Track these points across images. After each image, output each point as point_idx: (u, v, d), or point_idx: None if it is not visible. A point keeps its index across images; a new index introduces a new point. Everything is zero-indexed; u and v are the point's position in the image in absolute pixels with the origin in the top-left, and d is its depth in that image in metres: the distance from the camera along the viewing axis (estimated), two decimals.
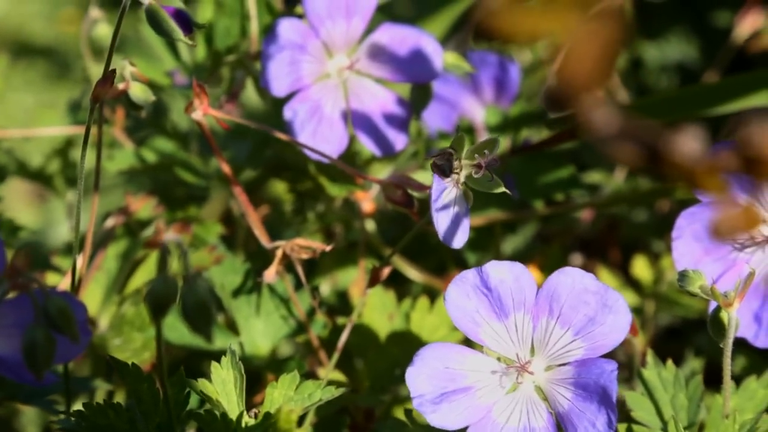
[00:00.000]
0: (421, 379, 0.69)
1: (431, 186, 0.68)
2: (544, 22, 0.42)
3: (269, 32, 0.80)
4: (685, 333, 1.08)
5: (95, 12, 0.93)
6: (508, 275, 0.69)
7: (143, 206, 0.91)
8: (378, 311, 0.86)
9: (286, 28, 0.80)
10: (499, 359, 0.71)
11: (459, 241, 0.70)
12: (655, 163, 0.41)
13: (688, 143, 0.41)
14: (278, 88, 0.80)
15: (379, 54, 0.84)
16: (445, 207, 0.68)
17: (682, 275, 0.71)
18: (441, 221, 0.68)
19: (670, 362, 0.75)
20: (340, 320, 0.85)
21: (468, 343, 0.73)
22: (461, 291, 0.70)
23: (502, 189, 0.69)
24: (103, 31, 0.93)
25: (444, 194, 0.68)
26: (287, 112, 0.81)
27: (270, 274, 0.79)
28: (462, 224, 0.70)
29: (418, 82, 0.85)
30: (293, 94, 0.82)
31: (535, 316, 0.70)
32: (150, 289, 0.58)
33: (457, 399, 0.69)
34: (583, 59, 0.41)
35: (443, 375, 0.70)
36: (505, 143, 0.95)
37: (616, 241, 1.08)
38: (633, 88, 1.23)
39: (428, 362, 0.70)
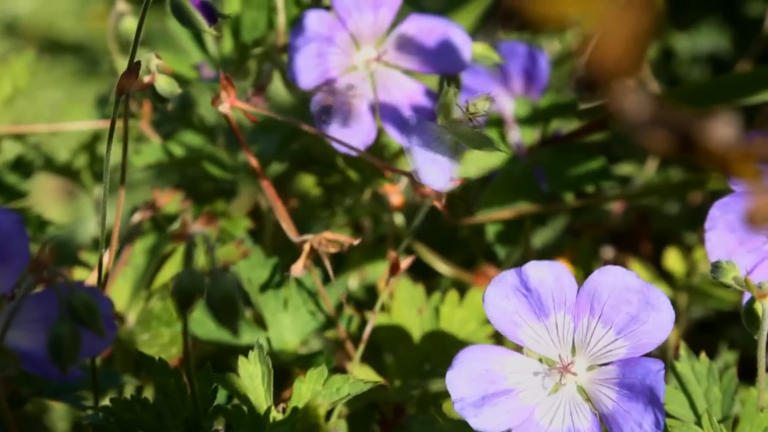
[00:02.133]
0: (461, 382, 0.68)
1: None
2: (574, 8, 0.41)
3: (296, 24, 0.79)
4: (718, 325, 1.07)
5: (122, 6, 0.93)
6: (548, 275, 0.69)
7: (170, 201, 0.90)
8: (407, 305, 0.85)
9: (314, 20, 0.79)
10: (540, 360, 0.70)
11: (437, 180, 0.69)
12: (689, 150, 0.41)
13: (722, 129, 0.40)
14: (306, 81, 0.80)
15: (406, 45, 0.83)
16: (431, 154, 0.68)
17: (716, 266, 0.70)
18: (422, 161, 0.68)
19: (703, 355, 0.74)
20: (369, 315, 0.84)
21: (499, 337, 0.72)
22: (500, 292, 0.69)
23: (490, 145, 0.69)
24: (130, 24, 0.93)
25: (431, 142, 0.68)
26: (314, 105, 0.81)
27: (297, 268, 0.78)
28: (442, 167, 0.69)
29: (446, 74, 0.84)
30: (321, 86, 0.81)
31: (576, 315, 0.69)
32: (176, 282, 0.57)
33: (498, 402, 0.68)
34: (614, 46, 0.40)
35: (484, 377, 0.69)
36: (534, 135, 0.94)
37: (648, 233, 1.07)
38: (664, 79, 1.21)
39: (468, 365, 0.69)
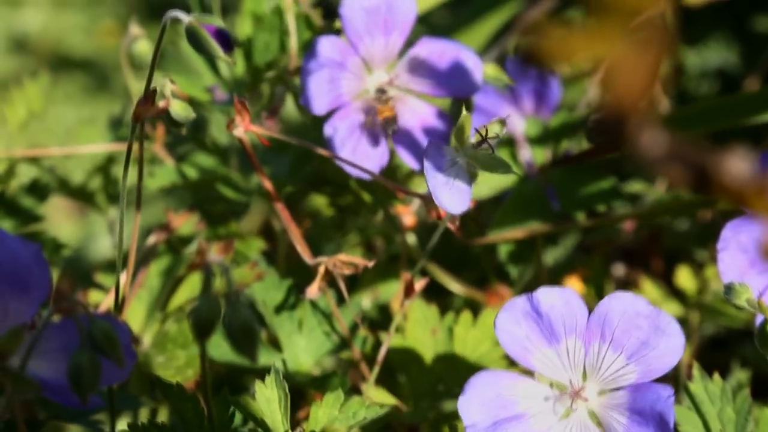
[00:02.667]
0: (473, 407, 0.69)
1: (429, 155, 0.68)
2: (586, 41, 0.42)
3: (308, 50, 0.80)
4: (730, 342, 1.07)
5: (135, 29, 0.93)
6: (559, 300, 0.69)
7: (185, 223, 0.91)
8: (421, 326, 0.86)
9: (325, 45, 0.80)
10: (551, 385, 0.70)
11: (456, 206, 0.69)
12: (705, 185, 0.41)
13: (737, 165, 0.40)
14: (318, 107, 0.80)
15: (418, 69, 0.84)
16: (446, 178, 0.68)
17: (728, 288, 0.70)
18: (437, 186, 0.68)
19: (716, 375, 0.74)
20: (383, 335, 0.85)
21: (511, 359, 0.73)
22: (511, 317, 0.69)
23: (504, 168, 0.69)
24: (143, 47, 0.93)
25: (446, 166, 0.68)
26: (327, 130, 0.81)
27: (313, 291, 0.78)
28: (458, 191, 0.69)
29: (458, 97, 0.84)
30: (333, 111, 0.82)
31: (587, 340, 0.69)
32: (194, 312, 0.58)
33: (510, 427, 0.69)
34: (627, 81, 0.40)
35: (495, 403, 0.69)
36: (545, 154, 0.95)
37: (659, 250, 1.08)
38: (674, 95, 1.22)
39: (479, 390, 0.69)
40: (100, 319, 0.60)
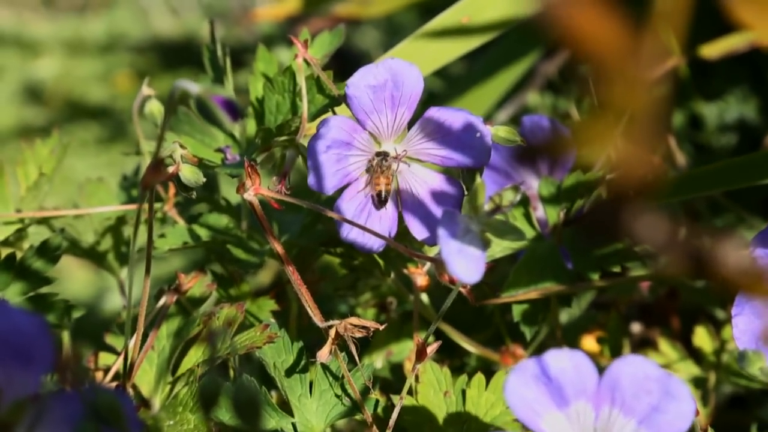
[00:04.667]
0: None
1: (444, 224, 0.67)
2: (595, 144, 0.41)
3: (317, 131, 0.79)
4: (748, 402, 1.06)
5: (146, 89, 0.93)
6: (569, 364, 0.68)
7: (196, 284, 0.91)
8: (433, 388, 0.85)
9: (333, 127, 0.79)
10: None
11: (470, 275, 0.69)
12: (705, 273, 0.41)
13: (736, 256, 0.40)
14: (327, 187, 0.80)
15: (427, 140, 0.83)
16: (460, 245, 0.68)
17: (742, 356, 0.70)
18: (451, 254, 0.68)
19: None
20: (395, 397, 0.84)
21: None
22: (521, 380, 0.69)
23: (515, 236, 0.68)
24: (154, 107, 0.94)
25: (460, 233, 0.68)
26: (337, 208, 0.81)
27: (324, 354, 0.78)
28: (472, 259, 0.69)
29: (469, 167, 0.84)
30: (343, 187, 0.82)
31: (597, 405, 0.68)
32: (200, 387, 0.57)
33: None
34: (627, 170, 0.40)
35: None
36: (559, 214, 0.94)
37: (676, 307, 1.07)
38: (691, 146, 1.21)
39: None
40: (104, 391, 0.60)
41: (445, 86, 1.52)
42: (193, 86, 0.65)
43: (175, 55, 2.72)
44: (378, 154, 0.83)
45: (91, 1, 3.85)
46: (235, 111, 0.66)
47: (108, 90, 2.30)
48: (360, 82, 0.80)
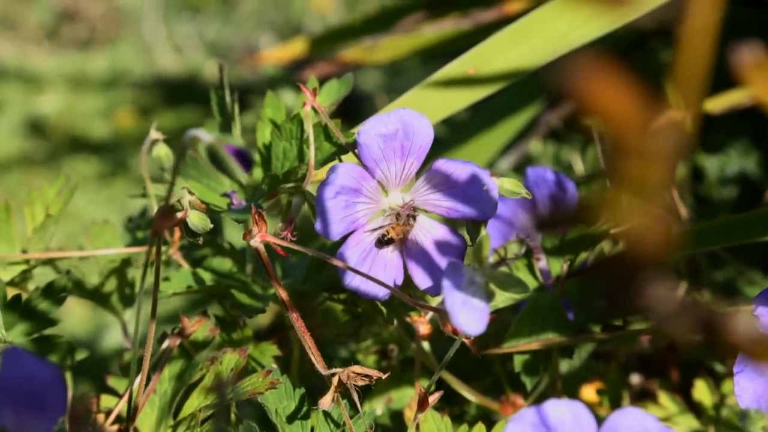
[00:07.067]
0: None
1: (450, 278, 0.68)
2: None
3: (326, 177, 0.80)
4: None
5: (155, 133, 0.94)
6: (568, 414, 0.69)
7: (199, 327, 0.91)
8: None
9: (341, 175, 0.80)
10: None
11: (473, 327, 0.69)
12: (713, 341, 0.41)
13: (743, 326, 0.41)
14: (333, 233, 0.80)
15: (434, 191, 0.84)
16: (464, 296, 0.68)
17: (744, 415, 0.70)
18: (457, 309, 0.68)
19: None
20: None
21: None
22: (520, 429, 0.69)
23: (519, 288, 0.69)
24: (163, 152, 0.94)
25: (464, 285, 0.68)
26: (341, 255, 0.82)
27: (326, 402, 0.78)
28: (476, 311, 0.69)
29: (474, 219, 0.84)
30: (348, 234, 0.82)
31: None
32: None
33: None
34: (638, 240, 0.40)
35: None
36: (562, 266, 0.94)
37: (676, 360, 1.07)
38: (692, 198, 1.22)
39: None
40: None
41: (449, 132, 1.52)
42: (205, 135, 0.66)
43: (178, 93, 2.74)
44: (392, 212, 0.83)
45: (95, 36, 3.87)
46: (248, 161, 0.66)
47: (110, 126, 2.30)
48: (371, 131, 0.80)
